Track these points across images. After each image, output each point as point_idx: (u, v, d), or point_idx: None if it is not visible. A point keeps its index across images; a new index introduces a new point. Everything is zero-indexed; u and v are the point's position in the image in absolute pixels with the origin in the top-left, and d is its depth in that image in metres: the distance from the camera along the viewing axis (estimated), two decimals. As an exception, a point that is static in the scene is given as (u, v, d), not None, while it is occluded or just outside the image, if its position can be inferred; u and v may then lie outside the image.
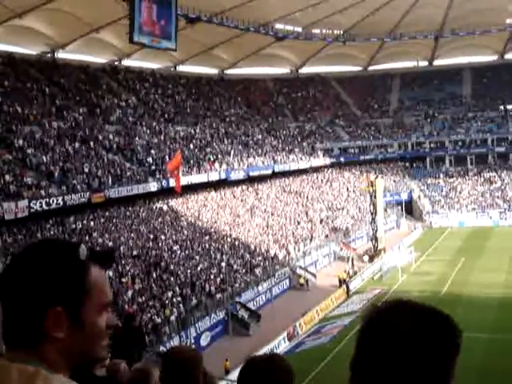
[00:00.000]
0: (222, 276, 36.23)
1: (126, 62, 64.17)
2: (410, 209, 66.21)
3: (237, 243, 43.16)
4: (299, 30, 68.82)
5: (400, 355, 1.18)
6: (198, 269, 36.29)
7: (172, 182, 41.41)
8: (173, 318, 30.19)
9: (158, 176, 44.34)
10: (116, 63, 63.11)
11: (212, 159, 52.63)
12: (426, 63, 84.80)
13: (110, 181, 39.94)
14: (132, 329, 7.91)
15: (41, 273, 1.30)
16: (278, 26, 66.74)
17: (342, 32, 71.69)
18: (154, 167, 45.44)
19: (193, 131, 57.21)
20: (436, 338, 1.21)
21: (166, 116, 57.61)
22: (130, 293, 30.65)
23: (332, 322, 32.80)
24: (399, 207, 64.89)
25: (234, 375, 25.86)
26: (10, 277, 1.31)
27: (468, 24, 69.31)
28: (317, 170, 67.08)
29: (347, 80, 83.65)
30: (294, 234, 48.91)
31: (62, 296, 1.31)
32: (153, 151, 47.97)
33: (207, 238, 42.20)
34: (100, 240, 35.51)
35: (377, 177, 55.81)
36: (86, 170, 39.45)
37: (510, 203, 63.54)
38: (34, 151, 38.23)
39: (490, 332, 29.61)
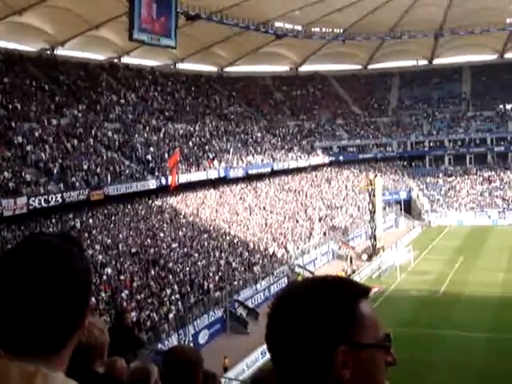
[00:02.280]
0: (220, 274, 36.25)
1: (126, 60, 64.11)
2: (408, 208, 66.23)
3: (235, 241, 43.17)
4: (299, 28, 68.73)
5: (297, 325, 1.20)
6: (197, 266, 36.30)
7: (170, 180, 41.56)
8: (171, 315, 30.19)
9: (156, 174, 44.36)
10: (115, 60, 63.06)
11: (211, 157, 52.64)
12: (425, 62, 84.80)
13: (108, 178, 39.95)
14: (122, 326, 7.88)
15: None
16: (278, 24, 66.69)
17: (341, 30, 71.64)
18: (153, 165, 45.44)
19: (192, 129, 57.17)
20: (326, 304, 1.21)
21: (165, 113, 57.59)
22: (128, 290, 30.68)
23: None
24: (398, 206, 64.87)
25: (233, 373, 25.92)
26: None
27: (468, 23, 69.30)
28: (316, 168, 67.07)
29: (347, 78, 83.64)
30: (292, 232, 48.93)
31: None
32: (152, 149, 47.96)
33: (206, 235, 42.19)
34: (99, 237, 35.53)
35: (376, 175, 55.81)
36: (85, 167, 39.45)
37: (509, 202, 63.58)
38: (33, 148, 38.21)
39: (489, 331, 29.64)
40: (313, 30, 70.34)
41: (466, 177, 70.09)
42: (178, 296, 32.04)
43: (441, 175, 71.34)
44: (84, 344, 2.47)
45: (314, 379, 1.19)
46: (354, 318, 1.21)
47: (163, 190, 44.25)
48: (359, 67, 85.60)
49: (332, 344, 1.18)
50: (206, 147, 54.38)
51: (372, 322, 1.24)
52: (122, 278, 31.71)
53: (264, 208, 52.56)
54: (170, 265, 35.20)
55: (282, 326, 1.22)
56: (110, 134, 46.86)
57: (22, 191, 32.81)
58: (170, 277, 33.73)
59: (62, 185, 36.10)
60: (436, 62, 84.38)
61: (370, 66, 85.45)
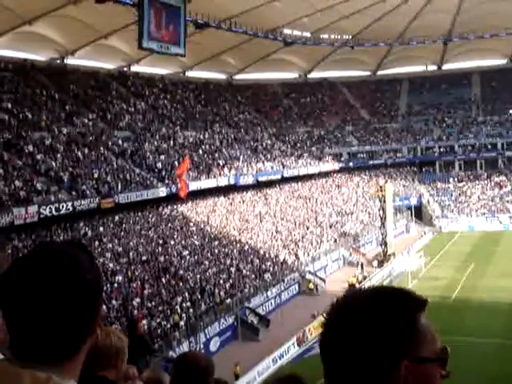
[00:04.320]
0: (231, 281, 36.21)
1: (135, 68, 64.37)
2: (419, 213, 65.94)
3: (246, 248, 43.13)
4: (307, 35, 68.75)
5: (361, 335, 1.16)
6: (207, 274, 36.28)
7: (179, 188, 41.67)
8: (182, 323, 30.18)
9: (166, 181, 44.45)
10: (125, 69, 63.33)
11: (221, 164, 52.69)
12: (434, 67, 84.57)
13: (119, 186, 40.06)
14: (134, 335, 7.88)
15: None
16: (287, 31, 66.73)
17: (350, 37, 71.65)
18: (163, 173, 45.54)
19: (202, 136, 57.28)
20: (391, 315, 1.18)
21: (175, 121, 57.73)
22: (139, 298, 30.70)
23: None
24: (409, 212, 64.66)
25: (244, 380, 25.85)
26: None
27: (476, 28, 69.15)
28: (326, 174, 66.99)
29: (356, 85, 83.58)
30: (303, 239, 48.83)
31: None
32: (162, 157, 48.08)
33: (216, 243, 42.19)
34: (109, 245, 35.60)
35: (386, 181, 55.66)
36: (96, 175, 39.58)
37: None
38: (44, 157, 38.40)
39: (501, 337, 29.42)
40: (321, 36, 70.37)
41: (477, 182, 69.77)
42: (188, 304, 32.04)
43: (451, 180, 71.04)
44: (96, 349, 2.44)
45: None
46: (415, 332, 1.18)
47: (173, 198, 44.27)
48: (368, 73, 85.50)
49: (394, 360, 1.15)
50: (216, 155, 54.46)
51: (431, 335, 1.22)
52: (133, 285, 31.74)
53: (274, 215, 52.50)
54: (181, 272, 35.22)
55: (340, 338, 1.18)
56: (120, 142, 47.03)
57: (33, 200, 32.94)
58: (181, 284, 33.74)
59: (72, 193, 36.25)
60: (445, 67, 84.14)
61: (379, 72, 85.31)
